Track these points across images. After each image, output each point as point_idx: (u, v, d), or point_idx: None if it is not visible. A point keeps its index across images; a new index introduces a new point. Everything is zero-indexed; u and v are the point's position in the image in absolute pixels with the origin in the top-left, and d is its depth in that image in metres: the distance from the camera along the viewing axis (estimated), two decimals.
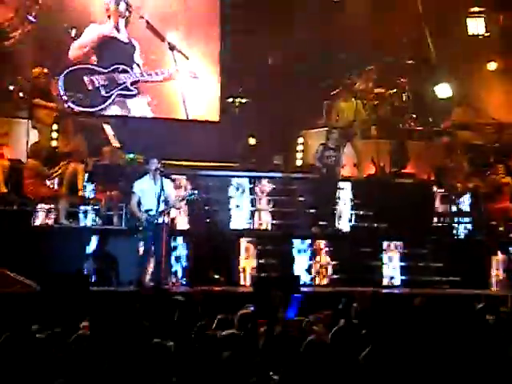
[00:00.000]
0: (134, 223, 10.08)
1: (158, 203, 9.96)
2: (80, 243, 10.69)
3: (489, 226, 12.44)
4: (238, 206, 11.90)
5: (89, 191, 11.51)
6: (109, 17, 13.99)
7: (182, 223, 11.49)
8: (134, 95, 14.07)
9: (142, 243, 10.05)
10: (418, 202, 12.34)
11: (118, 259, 10.55)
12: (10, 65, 12.65)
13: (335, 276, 11.50)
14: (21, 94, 12.40)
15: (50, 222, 11.14)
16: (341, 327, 5.62)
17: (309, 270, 11.47)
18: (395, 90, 14.08)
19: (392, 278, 11.71)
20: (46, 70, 12.27)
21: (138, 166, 11.70)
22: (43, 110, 12.03)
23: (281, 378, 4.34)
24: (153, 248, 10.07)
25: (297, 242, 11.51)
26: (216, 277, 10.58)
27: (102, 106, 13.78)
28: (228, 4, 14.61)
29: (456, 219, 12.69)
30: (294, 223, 11.96)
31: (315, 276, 11.50)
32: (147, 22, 14.12)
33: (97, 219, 11.37)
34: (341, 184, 12.12)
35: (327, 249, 11.58)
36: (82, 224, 11.33)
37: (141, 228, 9.96)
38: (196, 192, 10.50)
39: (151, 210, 9.96)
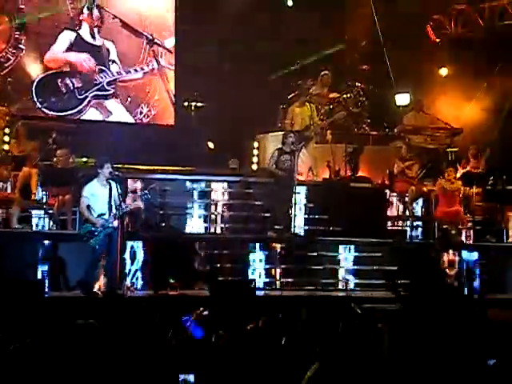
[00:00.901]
0: (87, 227, 9.96)
1: (110, 208, 9.87)
2: (32, 248, 10.54)
3: (440, 229, 12.61)
4: (192, 210, 11.88)
5: (41, 195, 11.37)
6: (81, 22, 14.00)
7: (137, 227, 11.40)
8: (110, 96, 14.09)
9: (94, 248, 9.93)
10: (372, 206, 12.46)
11: (70, 264, 10.42)
12: None
13: (290, 280, 11.53)
14: None
15: (1, 226, 10.97)
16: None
17: (264, 274, 11.48)
18: (350, 95, 14.21)
19: (347, 280, 11.80)
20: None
21: (90, 169, 11.58)
22: None
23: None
24: (106, 252, 9.98)
25: (252, 246, 11.52)
26: (171, 281, 10.52)
27: (77, 109, 13.81)
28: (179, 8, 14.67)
29: (408, 223, 12.85)
30: (249, 227, 11.98)
31: (270, 280, 11.51)
32: (121, 21, 14.17)
33: (50, 224, 11.23)
34: (296, 188, 12.15)
35: (282, 252, 11.61)
36: (34, 229, 11.19)
37: (95, 232, 9.85)
38: (148, 194, 10.44)
39: (104, 214, 9.87)
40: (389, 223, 12.81)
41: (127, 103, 14.40)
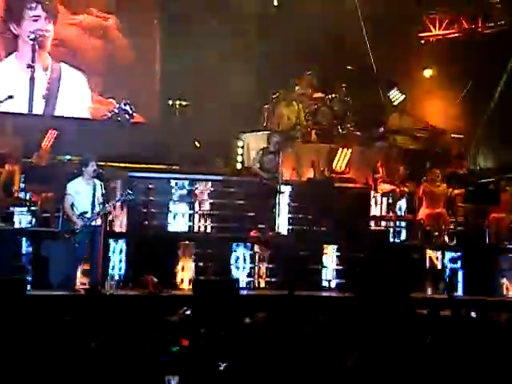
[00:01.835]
0: (69, 225, 9.92)
1: (94, 205, 9.83)
2: (15, 246, 10.48)
3: (424, 230, 12.65)
4: (176, 208, 11.85)
5: (25, 193, 11.30)
6: None
7: (120, 226, 11.37)
8: None
9: (77, 246, 9.88)
10: (356, 206, 12.48)
11: (53, 262, 10.37)
12: None
13: (273, 279, 11.54)
14: None
15: None
16: None
17: (247, 274, 11.48)
18: (335, 95, 14.24)
19: (329, 281, 11.82)
20: None
21: (74, 167, 11.52)
22: None
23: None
24: (89, 250, 9.94)
25: (235, 246, 11.51)
26: (154, 280, 10.49)
27: None
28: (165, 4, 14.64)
29: (392, 224, 12.89)
30: (233, 226, 11.96)
31: (254, 279, 11.51)
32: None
33: (33, 221, 11.17)
34: (280, 188, 12.16)
35: (266, 252, 11.61)
36: (17, 226, 11.12)
37: (76, 230, 9.81)
38: (131, 193, 10.42)
39: (86, 212, 9.83)
40: (372, 223, 12.84)
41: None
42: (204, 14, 14.34)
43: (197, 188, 12.05)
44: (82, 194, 9.88)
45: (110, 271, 10.75)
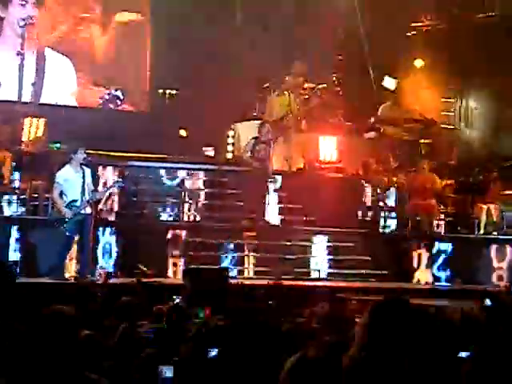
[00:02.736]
0: (58, 213, 9.88)
1: (83, 194, 9.79)
2: (4, 233, 10.43)
3: (413, 221, 12.69)
4: (168, 197, 11.83)
5: (14, 180, 11.24)
6: None
7: (111, 214, 11.34)
8: None
9: (66, 234, 9.84)
10: (346, 196, 12.49)
11: (42, 250, 10.33)
12: None
13: (263, 269, 11.53)
14: None
15: None
16: None
17: (237, 263, 11.47)
18: (325, 85, 14.22)
19: (319, 270, 11.83)
20: None
21: (63, 155, 11.47)
22: None
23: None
24: (78, 239, 9.91)
25: (226, 235, 11.49)
26: (144, 269, 10.48)
27: None
28: None
29: (382, 213, 12.90)
30: (223, 216, 11.95)
31: (244, 268, 11.51)
32: None
33: (22, 209, 11.12)
34: (271, 177, 12.15)
35: (257, 241, 11.61)
36: (6, 214, 11.07)
37: (67, 218, 9.77)
38: (121, 181, 10.37)
39: (76, 200, 9.78)
40: (362, 213, 12.84)
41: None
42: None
43: (188, 177, 12.01)
44: (70, 182, 9.84)
45: (99, 260, 10.72)
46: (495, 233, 12.67)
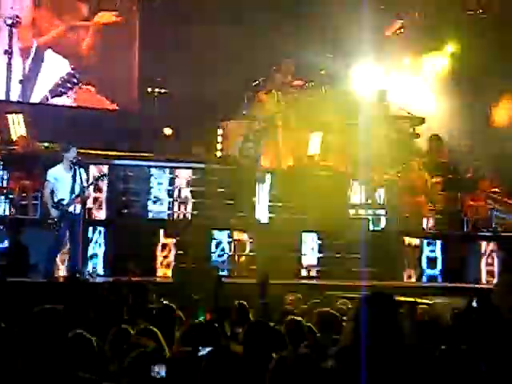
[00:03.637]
0: (48, 213, 9.84)
1: (72, 193, 9.76)
2: None
3: (403, 218, 12.71)
4: (156, 197, 11.80)
5: (2, 180, 11.19)
6: None
7: (100, 214, 11.31)
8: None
9: (55, 233, 9.81)
10: (336, 194, 12.50)
11: (32, 249, 10.30)
12: None
13: (254, 267, 11.53)
14: None
15: None
16: None
17: (227, 261, 11.47)
18: (314, 83, 14.21)
19: (309, 269, 11.84)
20: None
21: (53, 154, 11.43)
22: None
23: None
24: (68, 238, 9.89)
25: (216, 233, 11.49)
26: (133, 267, 10.45)
27: None
28: None
29: (371, 211, 12.92)
30: (213, 214, 11.93)
31: (234, 267, 11.51)
32: None
33: (10, 209, 11.07)
34: (260, 175, 12.14)
35: (246, 240, 11.60)
36: None
37: (55, 218, 9.73)
38: (104, 174, 10.35)
39: (64, 199, 9.75)
40: (352, 211, 12.87)
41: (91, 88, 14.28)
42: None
43: (176, 176, 12.00)
44: (61, 181, 9.81)
45: (89, 259, 10.69)
46: (484, 230, 12.71)
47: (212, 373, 3.76)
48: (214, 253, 11.38)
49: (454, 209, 13.03)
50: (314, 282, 11.35)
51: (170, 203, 11.89)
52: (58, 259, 10.06)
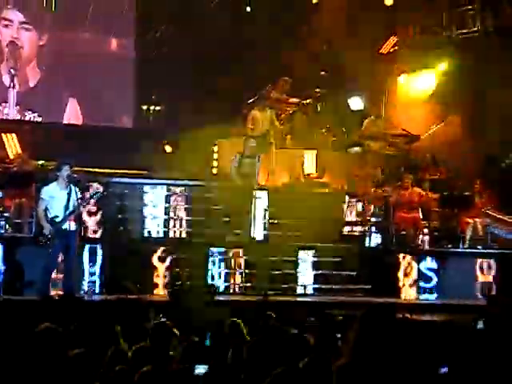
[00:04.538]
0: (41, 231, 9.80)
1: (66, 210, 9.73)
2: None
3: (398, 235, 12.71)
4: (152, 215, 11.79)
5: None
6: None
7: (96, 231, 11.28)
8: None
9: (50, 251, 9.77)
10: (331, 211, 12.50)
11: (27, 267, 10.25)
12: None
13: (249, 284, 11.50)
14: None
15: None
16: None
17: (223, 279, 11.43)
18: (309, 101, 14.27)
19: (305, 286, 11.81)
20: None
21: (48, 172, 11.42)
22: None
23: None
24: (64, 256, 9.85)
25: (212, 251, 11.46)
26: (129, 285, 10.41)
27: None
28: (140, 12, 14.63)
29: (367, 228, 12.91)
30: (208, 232, 11.91)
31: (230, 284, 11.48)
32: None
33: (6, 227, 11.04)
34: (256, 193, 12.14)
35: (242, 257, 11.58)
36: None
37: (49, 235, 9.69)
38: (100, 190, 10.34)
39: (58, 216, 9.71)
40: (348, 228, 12.86)
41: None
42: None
43: (172, 193, 11.98)
44: (56, 199, 9.77)
45: (84, 277, 10.65)
46: (480, 247, 12.71)
47: None
48: (210, 270, 11.34)
49: (450, 225, 13.04)
50: (310, 299, 11.32)
51: (165, 221, 11.86)
52: (53, 277, 10.00)
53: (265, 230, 12.22)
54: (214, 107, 13.78)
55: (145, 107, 14.35)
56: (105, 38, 14.68)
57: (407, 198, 12.64)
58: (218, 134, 13.91)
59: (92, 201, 10.55)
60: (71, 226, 9.83)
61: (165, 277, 11.08)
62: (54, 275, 10.01)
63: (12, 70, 13.80)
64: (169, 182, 12.17)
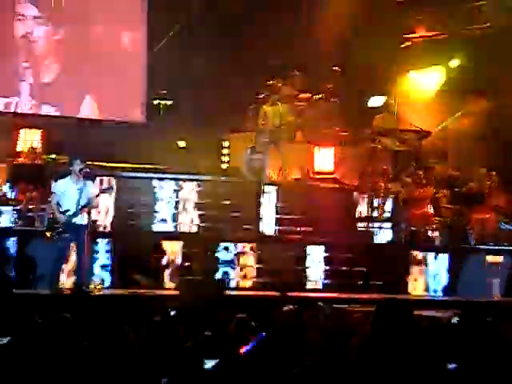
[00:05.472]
0: (53, 224, 9.85)
1: (78, 204, 9.78)
2: (1, 244, 10.41)
3: (409, 231, 12.68)
4: (163, 209, 11.82)
5: (9, 192, 11.23)
6: None
7: (106, 225, 11.33)
8: None
9: (61, 245, 9.83)
10: (342, 207, 12.50)
11: (38, 261, 10.31)
12: None
13: (260, 279, 11.52)
14: None
15: None
16: None
17: (233, 274, 11.46)
18: (321, 96, 14.25)
19: (315, 281, 11.81)
20: None
21: (59, 166, 11.48)
22: None
23: None
24: (74, 250, 9.89)
25: (222, 246, 11.48)
26: (139, 279, 10.46)
27: None
28: (153, 5, 14.62)
29: (378, 224, 12.90)
30: (219, 226, 11.93)
31: (239, 279, 11.50)
32: None
33: (17, 220, 11.10)
34: (266, 188, 12.15)
35: (252, 252, 11.60)
36: (1, 225, 11.05)
37: (60, 228, 9.74)
38: (112, 185, 10.36)
39: (69, 210, 9.76)
40: (359, 224, 12.84)
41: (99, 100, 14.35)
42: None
43: (183, 188, 12.01)
44: (68, 194, 9.82)
45: (95, 271, 10.70)
46: (491, 244, 12.67)
47: None
48: (220, 264, 11.37)
49: (461, 222, 13.00)
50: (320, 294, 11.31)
51: (176, 215, 11.89)
52: (63, 270, 10.05)
53: (275, 225, 12.23)
54: (225, 102, 13.80)
55: (156, 102, 14.37)
56: (117, 31, 14.69)
57: (418, 194, 12.61)
58: (230, 129, 13.94)
59: (104, 195, 10.59)
60: (82, 220, 9.87)
61: (175, 271, 11.12)
62: (64, 269, 10.07)
63: (25, 64, 13.85)
64: (180, 176, 12.20)
